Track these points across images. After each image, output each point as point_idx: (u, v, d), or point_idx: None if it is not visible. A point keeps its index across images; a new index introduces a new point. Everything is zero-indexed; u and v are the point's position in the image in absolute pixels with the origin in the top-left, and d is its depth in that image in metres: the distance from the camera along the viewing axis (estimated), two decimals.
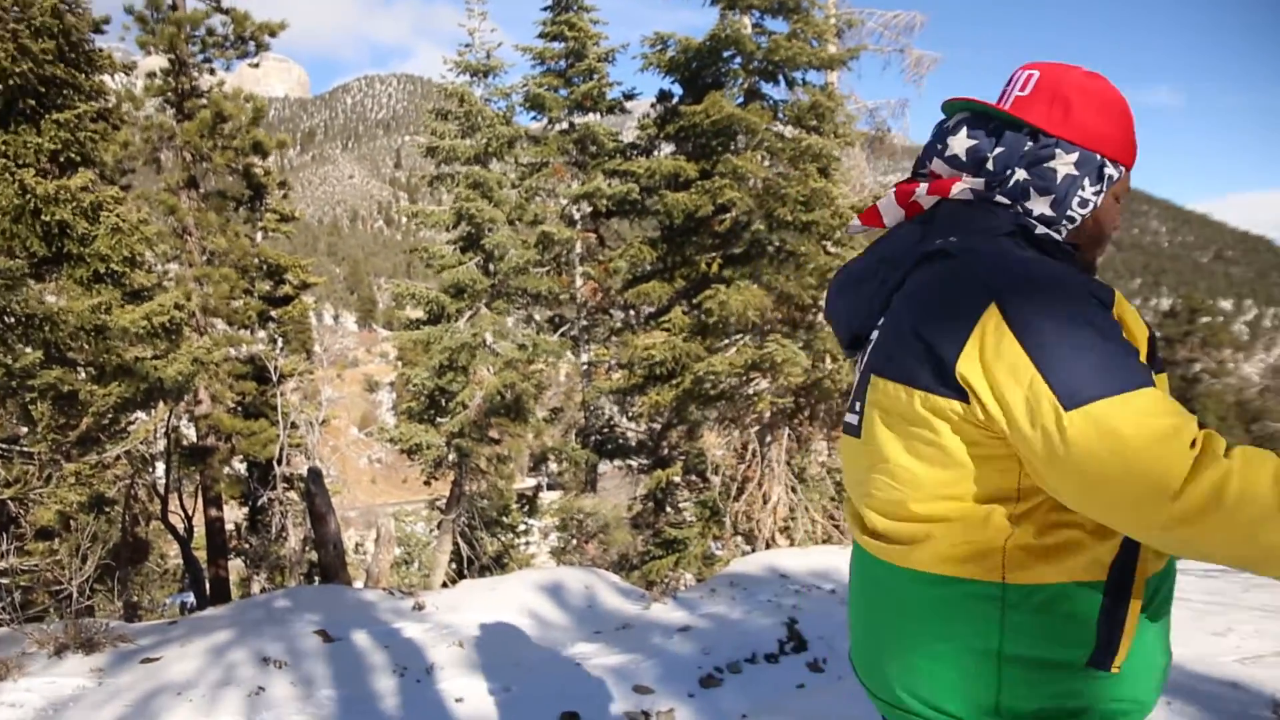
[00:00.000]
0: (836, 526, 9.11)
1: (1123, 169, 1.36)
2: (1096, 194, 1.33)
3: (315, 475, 9.73)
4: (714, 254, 9.72)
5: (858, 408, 1.37)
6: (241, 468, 14.71)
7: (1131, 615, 1.17)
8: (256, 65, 13.97)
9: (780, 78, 10.48)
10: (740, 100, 10.44)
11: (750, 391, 9.32)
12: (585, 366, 13.68)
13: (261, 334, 14.81)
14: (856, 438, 1.37)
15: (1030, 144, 1.32)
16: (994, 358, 1.13)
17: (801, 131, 9.77)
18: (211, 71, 13.48)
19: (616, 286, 11.63)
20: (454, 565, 15.98)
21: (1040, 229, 1.31)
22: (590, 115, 14.13)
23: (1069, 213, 1.33)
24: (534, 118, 14.83)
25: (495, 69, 14.37)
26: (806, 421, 9.46)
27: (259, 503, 14.74)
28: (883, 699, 1.33)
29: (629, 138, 13.50)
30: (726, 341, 9.67)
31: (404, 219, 15.34)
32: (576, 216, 13.60)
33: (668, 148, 12.48)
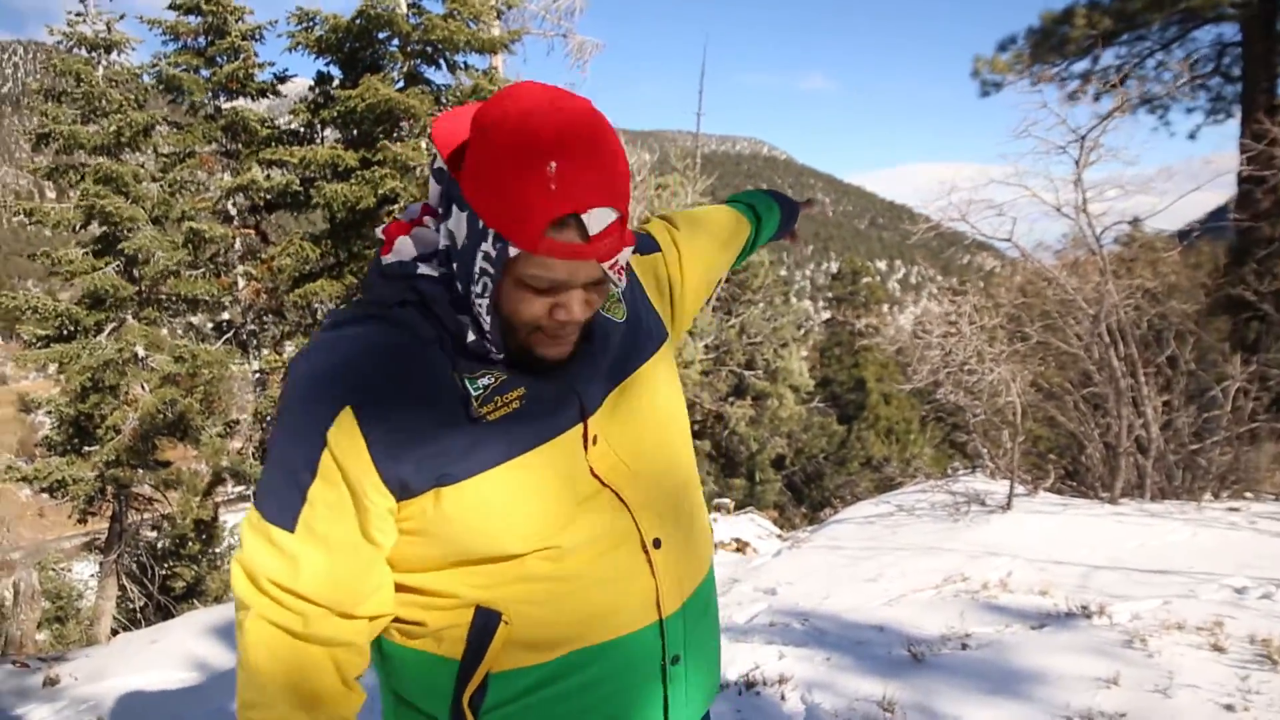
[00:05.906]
0: None
1: (512, 248, 0.96)
2: (489, 265, 0.99)
3: None
4: None
5: None
6: None
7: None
8: None
9: (441, 61, 10.09)
10: (400, 84, 9.90)
11: None
12: (257, 375, 12.50)
13: None
14: None
15: (447, 189, 1.05)
16: None
17: None
18: None
19: (283, 286, 10.66)
20: (125, 610, 14.17)
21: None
22: (239, 100, 12.82)
23: (473, 287, 1.02)
24: (173, 101, 13.19)
25: (119, 44, 12.58)
26: None
27: None
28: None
29: (287, 123, 12.44)
30: None
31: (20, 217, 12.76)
32: (233, 211, 12.33)
33: (333, 134, 11.65)
